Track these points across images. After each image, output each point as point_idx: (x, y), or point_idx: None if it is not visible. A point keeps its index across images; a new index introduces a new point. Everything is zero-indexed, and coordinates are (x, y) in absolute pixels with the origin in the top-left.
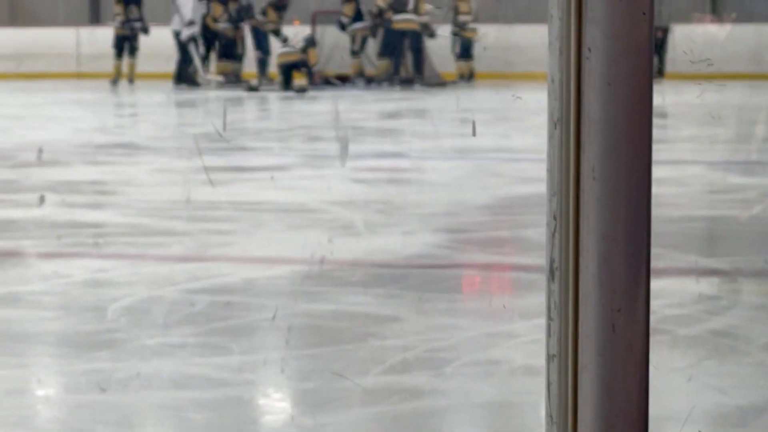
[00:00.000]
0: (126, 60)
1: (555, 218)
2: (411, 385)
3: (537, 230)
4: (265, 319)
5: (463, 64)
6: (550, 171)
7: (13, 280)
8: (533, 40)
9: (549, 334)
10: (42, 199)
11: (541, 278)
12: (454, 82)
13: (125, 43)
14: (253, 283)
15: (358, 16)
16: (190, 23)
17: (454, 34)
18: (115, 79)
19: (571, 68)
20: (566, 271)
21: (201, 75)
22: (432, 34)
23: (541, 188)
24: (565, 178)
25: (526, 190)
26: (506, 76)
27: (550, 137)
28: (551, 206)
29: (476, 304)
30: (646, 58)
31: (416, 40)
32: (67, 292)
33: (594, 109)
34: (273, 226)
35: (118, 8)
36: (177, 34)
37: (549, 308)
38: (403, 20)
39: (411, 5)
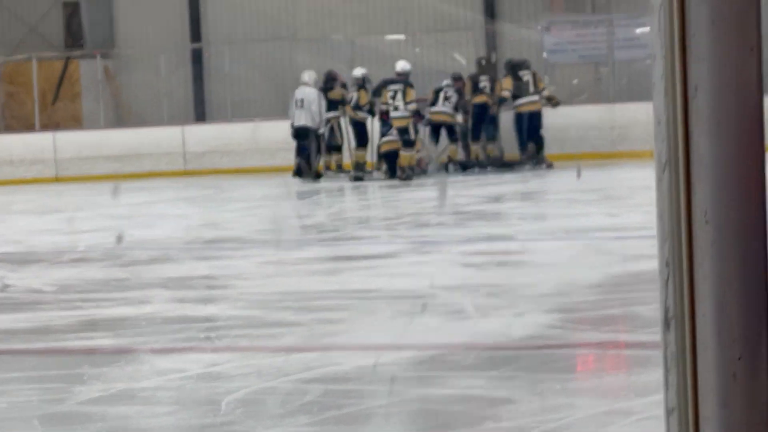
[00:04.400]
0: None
1: (668, 264)
2: None
3: (649, 307)
4: (380, 405)
5: (531, 146)
6: (660, 216)
7: (129, 377)
8: (638, 118)
9: (667, 387)
10: None
11: (656, 355)
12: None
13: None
14: (365, 370)
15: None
16: (327, 121)
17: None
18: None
19: (678, 108)
20: (682, 320)
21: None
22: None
23: (652, 265)
24: (676, 222)
25: (637, 267)
26: (610, 156)
27: (659, 180)
28: (663, 252)
29: (591, 382)
30: (755, 94)
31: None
32: (182, 386)
33: (704, 150)
34: (383, 313)
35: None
36: (301, 129)
37: (666, 359)
38: (526, 102)
39: (531, 88)
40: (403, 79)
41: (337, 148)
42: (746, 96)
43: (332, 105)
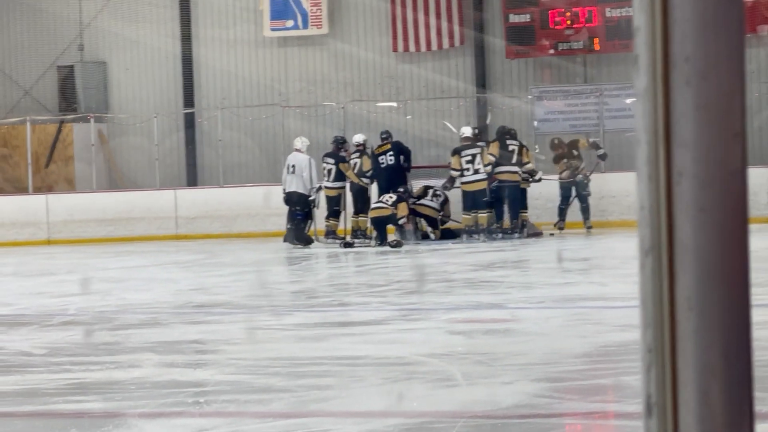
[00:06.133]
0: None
1: (650, 351)
2: None
3: (637, 377)
4: None
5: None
6: (643, 302)
7: None
8: (627, 188)
9: None
10: None
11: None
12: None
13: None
14: None
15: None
16: (318, 188)
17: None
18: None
19: (662, 194)
20: (664, 408)
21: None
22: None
23: (640, 335)
24: (659, 309)
25: (625, 337)
26: (601, 225)
27: (642, 267)
28: (645, 338)
29: None
30: (740, 180)
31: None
32: None
33: (687, 236)
34: (371, 380)
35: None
36: (292, 195)
37: None
38: (505, 171)
39: (515, 159)
40: (473, 142)
41: (337, 215)
42: (730, 182)
43: (341, 176)
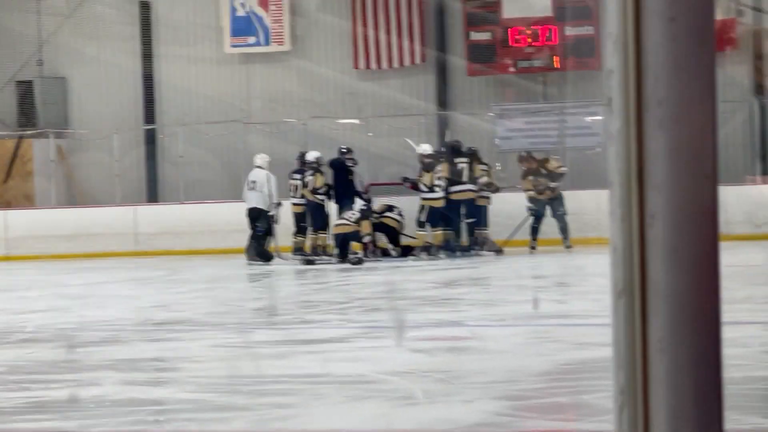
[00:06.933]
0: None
1: (623, 392)
2: None
3: (596, 395)
4: None
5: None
6: (615, 343)
7: None
8: (587, 206)
9: None
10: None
11: None
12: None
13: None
14: None
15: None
16: (279, 204)
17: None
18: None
19: (634, 236)
20: None
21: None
22: (496, 190)
23: (600, 353)
24: (631, 350)
25: (585, 355)
26: (560, 243)
27: (615, 308)
28: (618, 380)
29: None
30: (711, 222)
31: (471, 208)
32: None
33: (659, 278)
34: (333, 398)
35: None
36: (252, 211)
37: None
38: (459, 191)
39: (465, 176)
40: (436, 159)
41: (304, 232)
42: (703, 224)
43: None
